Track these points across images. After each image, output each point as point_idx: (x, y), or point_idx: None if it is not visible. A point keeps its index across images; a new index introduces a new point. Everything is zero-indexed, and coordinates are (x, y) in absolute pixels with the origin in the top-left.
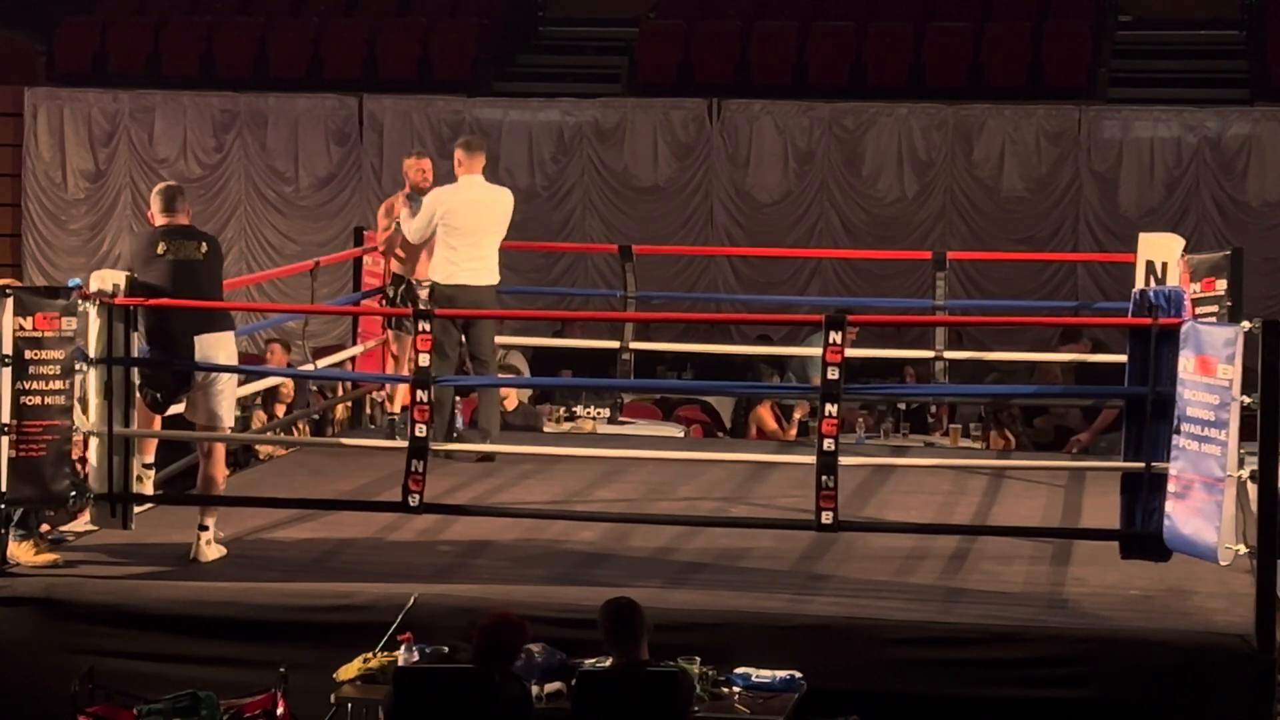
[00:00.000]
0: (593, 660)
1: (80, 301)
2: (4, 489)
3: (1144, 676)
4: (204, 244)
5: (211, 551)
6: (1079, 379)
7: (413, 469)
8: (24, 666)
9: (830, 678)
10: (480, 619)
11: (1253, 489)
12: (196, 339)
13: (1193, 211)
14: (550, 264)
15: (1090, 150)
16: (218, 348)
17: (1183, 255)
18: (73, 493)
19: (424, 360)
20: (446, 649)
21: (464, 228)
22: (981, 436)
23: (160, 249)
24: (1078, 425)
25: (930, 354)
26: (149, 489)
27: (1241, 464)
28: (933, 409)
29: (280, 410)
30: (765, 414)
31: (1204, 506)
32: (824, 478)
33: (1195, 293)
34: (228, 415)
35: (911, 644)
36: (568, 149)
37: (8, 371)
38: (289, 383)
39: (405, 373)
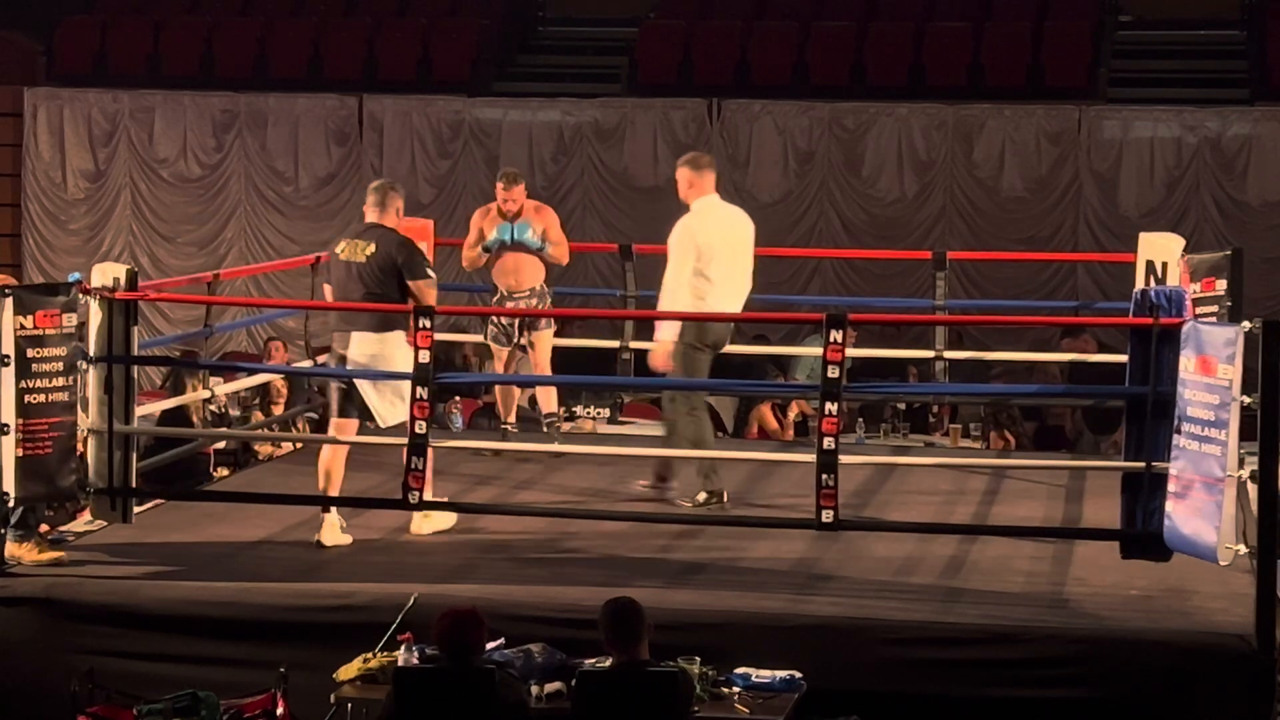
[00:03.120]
0: (593, 660)
1: (81, 296)
2: (7, 488)
3: (1144, 676)
4: (372, 245)
5: (330, 536)
6: (1075, 378)
7: (413, 466)
8: (24, 666)
9: (830, 678)
10: (435, 619)
11: (1253, 489)
12: (336, 336)
13: (1193, 211)
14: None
15: (1090, 150)
16: (354, 347)
17: (1183, 255)
18: (81, 488)
19: (424, 357)
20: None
21: (720, 256)
22: (981, 436)
23: (340, 248)
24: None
25: (930, 354)
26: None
27: (1241, 464)
28: (933, 409)
29: (276, 410)
30: (767, 413)
31: (1204, 506)
32: (824, 476)
33: (1195, 293)
34: (386, 410)
35: (911, 644)
36: (568, 149)
37: (9, 371)
38: (282, 382)
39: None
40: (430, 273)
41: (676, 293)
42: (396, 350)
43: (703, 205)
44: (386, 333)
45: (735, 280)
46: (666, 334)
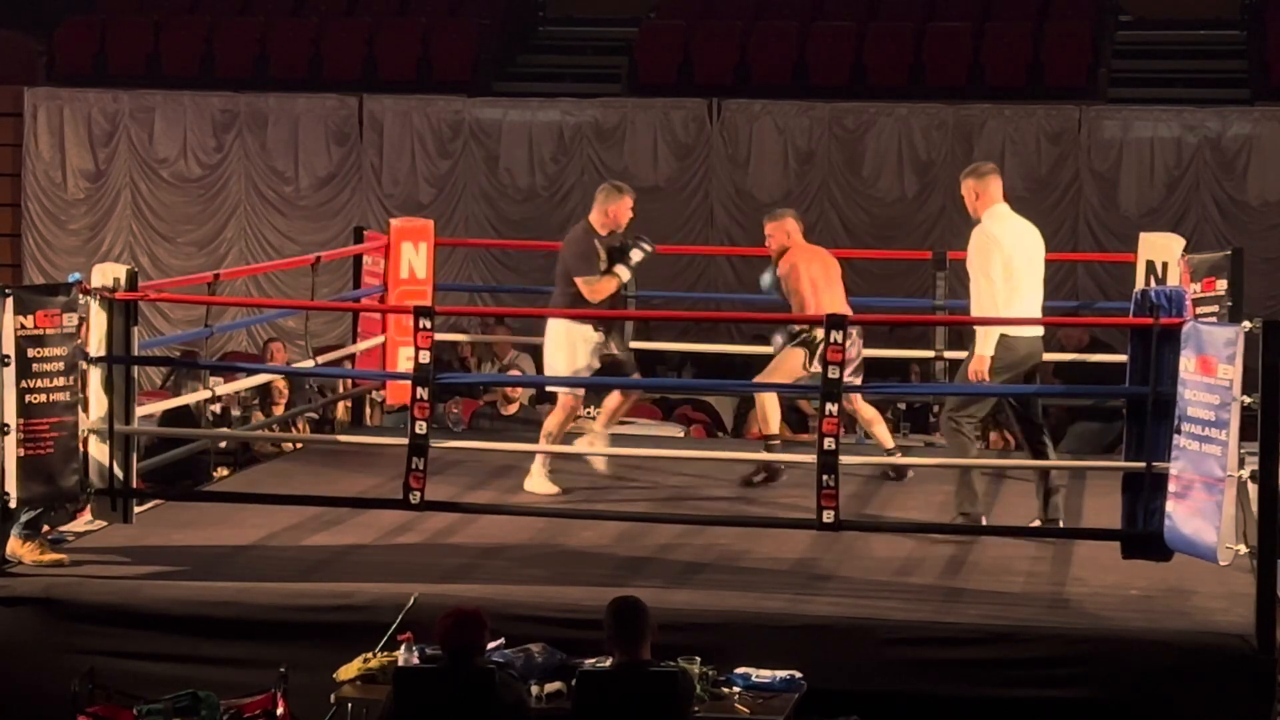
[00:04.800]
0: (593, 660)
1: (81, 296)
2: (8, 488)
3: (1144, 676)
4: (564, 241)
5: (533, 484)
6: (1062, 377)
7: (414, 466)
8: (24, 666)
9: (830, 678)
10: (438, 619)
11: (1253, 489)
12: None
13: (1193, 211)
14: (550, 264)
15: (1090, 150)
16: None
17: (1183, 255)
18: (81, 488)
19: (424, 358)
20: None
21: (1021, 266)
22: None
23: None
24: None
25: (930, 354)
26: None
27: (1242, 464)
28: (934, 409)
29: (276, 410)
30: None
31: (1204, 506)
32: (825, 477)
33: (1195, 293)
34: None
35: (911, 644)
36: (568, 149)
37: (10, 371)
38: (283, 382)
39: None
40: (593, 270)
41: (993, 307)
42: (554, 333)
43: (996, 214)
44: (555, 320)
45: (1036, 291)
46: (984, 347)
